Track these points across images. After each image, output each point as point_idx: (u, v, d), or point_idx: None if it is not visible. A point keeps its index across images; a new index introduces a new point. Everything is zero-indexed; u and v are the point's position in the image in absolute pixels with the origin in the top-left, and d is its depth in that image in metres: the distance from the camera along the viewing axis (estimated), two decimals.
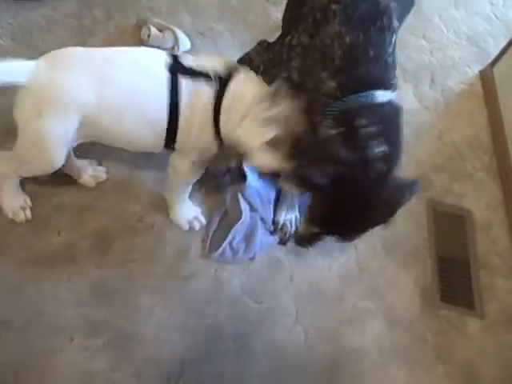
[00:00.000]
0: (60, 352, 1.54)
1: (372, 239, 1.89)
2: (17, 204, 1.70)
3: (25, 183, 1.74)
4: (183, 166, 1.58)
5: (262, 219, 1.79)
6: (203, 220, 1.80)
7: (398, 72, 2.18)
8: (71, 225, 1.72)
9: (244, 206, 1.77)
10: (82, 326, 1.59)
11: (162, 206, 1.79)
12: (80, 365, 1.54)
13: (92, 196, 1.77)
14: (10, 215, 1.70)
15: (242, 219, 1.76)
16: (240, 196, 1.78)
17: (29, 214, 1.71)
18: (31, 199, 1.72)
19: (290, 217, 1.82)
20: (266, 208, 1.80)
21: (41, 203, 1.73)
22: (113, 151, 1.82)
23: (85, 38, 2.09)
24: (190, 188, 1.74)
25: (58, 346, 1.55)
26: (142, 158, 1.84)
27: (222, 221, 1.80)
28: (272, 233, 1.81)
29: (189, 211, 1.79)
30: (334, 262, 1.84)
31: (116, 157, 1.84)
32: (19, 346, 1.53)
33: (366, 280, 1.83)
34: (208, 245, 1.76)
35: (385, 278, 1.85)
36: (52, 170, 1.53)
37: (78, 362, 1.54)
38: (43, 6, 2.06)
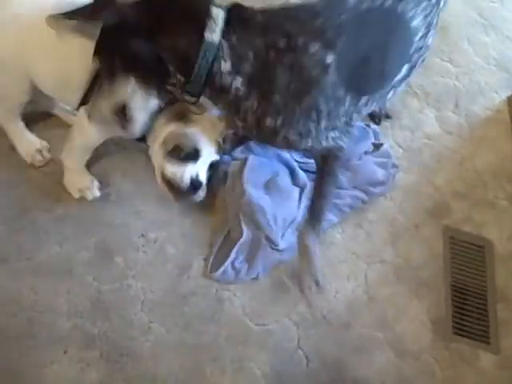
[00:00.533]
0: (53, 363, 1.58)
1: (384, 266, 1.88)
2: (32, 147, 1.83)
3: (28, 192, 1.83)
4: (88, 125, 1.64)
5: (267, 238, 1.81)
6: (97, 192, 1.84)
7: (419, 94, 2.27)
8: (72, 237, 1.77)
9: (246, 225, 1.80)
10: (77, 338, 1.62)
11: (166, 222, 1.84)
12: (72, 377, 1.58)
13: (95, 209, 1.83)
14: (29, 160, 1.83)
15: (243, 238, 1.78)
16: (241, 214, 1.81)
17: (47, 155, 1.85)
18: (34, 208, 1.80)
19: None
20: (271, 226, 1.81)
21: (43, 214, 1.80)
22: (118, 166, 1.90)
23: None
24: (87, 156, 1.79)
25: (52, 357, 1.59)
26: (146, 174, 1.88)
27: (226, 240, 1.82)
28: (278, 252, 1.82)
29: (81, 180, 1.82)
30: (341, 288, 1.83)
31: (121, 172, 1.91)
32: (12, 356, 1.58)
33: (374, 308, 1.81)
34: (210, 263, 1.78)
35: (395, 307, 1.82)
36: (21, 100, 1.72)
37: (71, 374, 1.58)
38: None
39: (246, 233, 1.79)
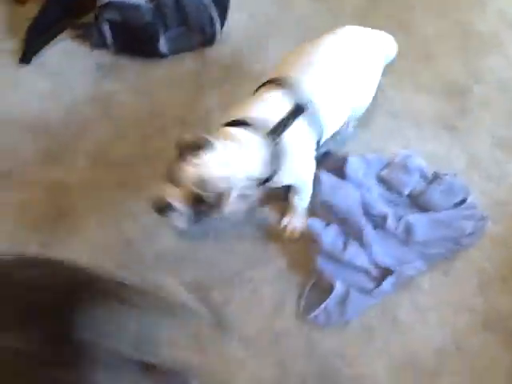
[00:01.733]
0: None
1: (473, 315, 1.92)
2: None
3: (132, 226, 2.00)
4: None
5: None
6: None
7: (504, 145, 2.31)
8: (169, 272, 1.92)
9: (333, 278, 1.91)
10: None
11: (261, 262, 1.96)
12: None
13: (192, 246, 1.99)
14: None
15: (334, 291, 1.88)
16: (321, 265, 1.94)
17: None
18: (137, 242, 1.98)
19: None
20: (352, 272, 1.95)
21: (141, 248, 1.97)
22: None
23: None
24: None
25: None
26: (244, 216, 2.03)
27: (316, 284, 1.93)
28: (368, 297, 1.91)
29: None
30: (431, 334, 1.88)
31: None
32: None
33: (463, 358, 1.84)
34: (302, 305, 1.88)
35: (484, 357, 1.85)
36: None
37: None
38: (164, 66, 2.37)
39: (336, 285, 1.90)
